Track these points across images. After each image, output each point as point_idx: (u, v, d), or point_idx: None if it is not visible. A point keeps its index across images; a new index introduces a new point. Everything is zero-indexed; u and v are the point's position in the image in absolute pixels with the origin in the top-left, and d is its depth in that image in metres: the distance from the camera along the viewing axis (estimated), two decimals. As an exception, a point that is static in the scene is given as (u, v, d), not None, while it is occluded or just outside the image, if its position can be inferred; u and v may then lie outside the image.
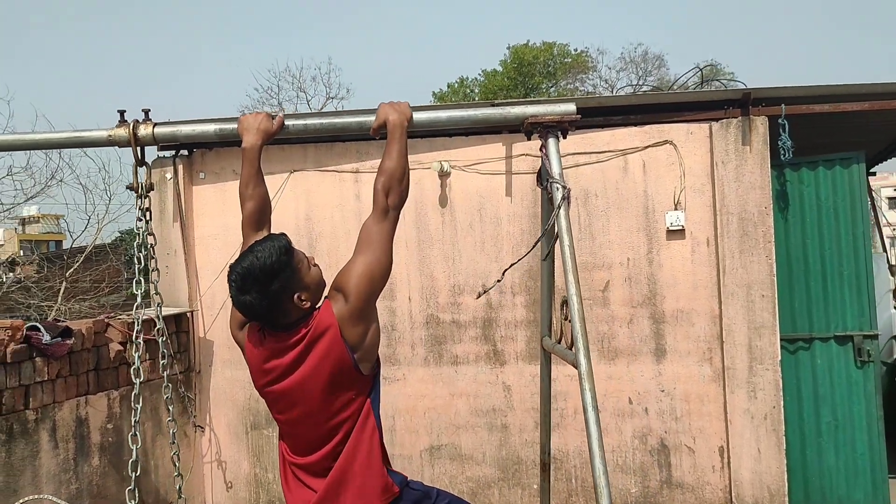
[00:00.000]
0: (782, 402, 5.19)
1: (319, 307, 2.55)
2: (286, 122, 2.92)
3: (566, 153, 5.58)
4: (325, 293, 2.60)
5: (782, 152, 5.21)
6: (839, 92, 5.20)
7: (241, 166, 2.80)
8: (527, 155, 5.71)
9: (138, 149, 2.90)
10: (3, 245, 33.82)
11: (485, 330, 5.78)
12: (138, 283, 2.87)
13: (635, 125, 5.54)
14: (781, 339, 5.27)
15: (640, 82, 27.12)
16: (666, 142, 5.46)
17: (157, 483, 5.75)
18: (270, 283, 2.44)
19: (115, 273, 12.12)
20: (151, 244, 2.97)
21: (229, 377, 6.22)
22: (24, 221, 38.78)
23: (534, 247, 3.14)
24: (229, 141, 6.11)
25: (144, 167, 2.95)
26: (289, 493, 2.66)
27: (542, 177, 2.99)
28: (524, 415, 5.68)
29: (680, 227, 5.41)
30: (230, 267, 2.54)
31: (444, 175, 5.83)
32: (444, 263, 5.87)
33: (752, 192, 5.25)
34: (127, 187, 2.92)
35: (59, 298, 10.91)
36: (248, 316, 2.54)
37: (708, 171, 5.39)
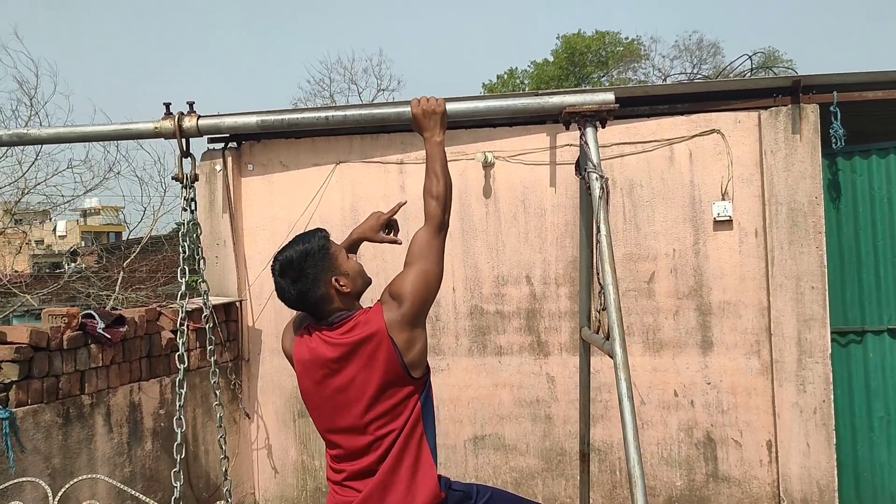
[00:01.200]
0: (832, 396, 5.08)
1: (370, 308, 2.60)
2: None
3: (611, 143, 5.56)
4: (380, 297, 2.63)
5: (834, 141, 5.09)
6: (893, 78, 5.05)
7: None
8: (571, 145, 5.68)
9: (183, 140, 2.98)
10: (65, 236, 34.92)
11: (528, 321, 5.78)
12: (183, 272, 2.95)
13: (681, 114, 5.47)
14: (832, 332, 5.16)
15: (695, 70, 26.62)
16: (713, 131, 5.38)
17: (208, 468, 5.90)
18: (307, 266, 2.53)
19: (170, 263, 12.43)
20: (198, 234, 3.05)
21: (277, 366, 6.34)
22: (85, 213, 39.96)
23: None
24: (274, 133, 6.28)
25: (190, 158, 3.03)
26: (333, 496, 2.66)
27: (581, 166, 2.98)
28: (568, 406, 5.67)
29: (727, 218, 5.33)
30: (273, 257, 2.62)
31: (487, 166, 5.84)
32: (487, 254, 5.88)
33: (802, 182, 5.14)
34: (173, 178, 3.00)
35: (118, 288, 11.24)
36: (288, 303, 2.61)
37: (756, 160, 5.29)
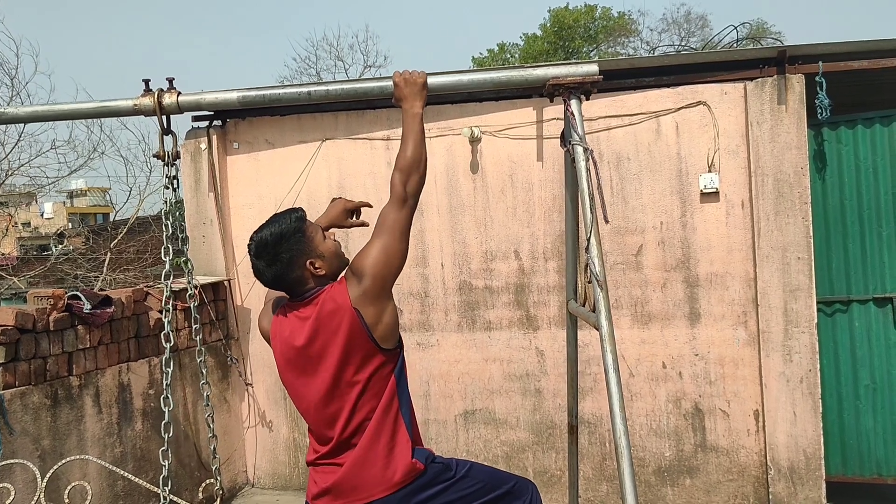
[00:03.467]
0: (819, 366, 5.12)
1: (335, 283, 2.61)
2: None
3: (597, 116, 5.54)
4: (343, 272, 2.66)
5: (819, 111, 5.08)
6: (879, 48, 5.03)
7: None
8: (558, 119, 5.65)
9: (164, 118, 2.95)
10: (52, 218, 34.69)
11: (517, 295, 5.79)
12: (167, 251, 2.93)
13: (668, 86, 5.45)
14: (818, 302, 5.18)
15: (683, 43, 26.54)
16: (699, 103, 5.37)
17: (199, 447, 5.91)
18: (282, 250, 2.54)
19: (157, 243, 12.38)
20: (181, 212, 3.02)
21: (266, 344, 6.31)
22: (71, 195, 39.68)
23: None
24: (260, 110, 6.23)
25: (171, 135, 3.00)
26: (312, 475, 2.68)
27: (566, 138, 2.97)
28: (557, 379, 5.69)
29: (714, 190, 5.33)
30: (250, 237, 2.62)
31: (474, 141, 5.81)
32: (476, 229, 5.87)
33: (788, 153, 5.14)
34: (154, 155, 2.97)
35: (105, 269, 11.20)
36: (264, 283, 2.62)
37: (742, 131, 5.29)
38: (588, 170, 2.82)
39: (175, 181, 2.97)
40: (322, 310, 2.55)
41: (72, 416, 4.82)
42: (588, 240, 2.70)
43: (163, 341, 2.79)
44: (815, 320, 5.11)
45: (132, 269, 11.66)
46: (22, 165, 11.11)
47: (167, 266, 2.92)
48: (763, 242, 5.19)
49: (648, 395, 5.53)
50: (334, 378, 2.55)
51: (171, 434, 2.76)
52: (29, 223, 32.89)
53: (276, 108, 6.27)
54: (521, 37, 29.56)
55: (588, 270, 2.88)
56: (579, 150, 2.82)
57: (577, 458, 3.72)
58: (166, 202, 2.95)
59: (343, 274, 2.64)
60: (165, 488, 2.73)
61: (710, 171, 5.34)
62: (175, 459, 5.65)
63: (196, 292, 3.08)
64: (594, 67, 2.87)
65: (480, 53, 29.83)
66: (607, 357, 2.55)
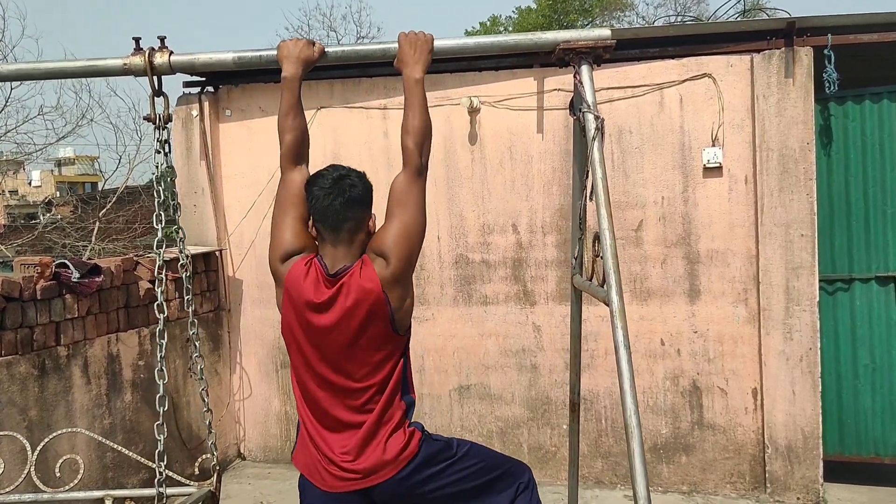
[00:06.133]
0: (819, 344, 5.06)
1: (364, 262, 2.53)
2: (327, 50, 2.79)
3: (600, 88, 5.38)
4: (365, 251, 2.58)
5: (827, 85, 4.97)
6: (890, 20, 4.92)
7: (281, 97, 2.70)
8: (559, 90, 5.53)
9: (155, 78, 2.81)
10: (39, 186, 34.32)
11: (514, 270, 5.70)
12: (159, 217, 2.81)
13: (672, 58, 5.32)
14: (820, 280, 5.11)
15: (679, 19, 26.29)
16: (704, 75, 5.24)
17: (190, 419, 5.83)
18: (370, 195, 2.60)
19: (147, 213, 12.18)
20: (172, 178, 2.91)
21: (259, 316, 6.23)
22: (59, 163, 39.25)
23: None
24: (253, 76, 6.07)
25: (162, 97, 2.87)
26: (319, 439, 2.60)
27: (575, 106, 2.86)
28: (554, 355, 5.62)
29: (717, 165, 5.23)
30: (334, 167, 2.60)
31: (473, 111, 5.68)
32: (473, 202, 5.76)
33: (794, 128, 5.04)
34: (145, 118, 2.84)
35: (94, 238, 11.01)
36: (344, 195, 2.51)
37: (748, 105, 5.17)
38: (596, 139, 2.71)
39: (167, 145, 2.85)
40: (350, 289, 2.48)
41: (60, 387, 4.71)
42: (598, 212, 2.60)
43: (156, 312, 2.69)
44: (817, 298, 5.04)
45: (122, 239, 11.48)
46: (9, 131, 10.88)
47: (159, 234, 2.81)
48: (766, 219, 5.10)
49: (646, 372, 5.46)
50: (347, 354, 2.51)
51: (166, 407, 2.66)
52: (16, 191, 32.54)
53: (270, 76, 6.10)
54: (514, 10, 29.25)
55: (596, 245, 2.79)
56: (590, 118, 2.71)
57: (579, 435, 3.65)
58: (157, 167, 2.83)
59: (365, 252, 2.56)
60: (161, 463, 2.63)
61: (713, 146, 5.24)
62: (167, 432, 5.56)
63: (188, 262, 2.97)
64: (606, 32, 2.75)
65: (473, 27, 29.48)
66: (618, 333, 2.47)
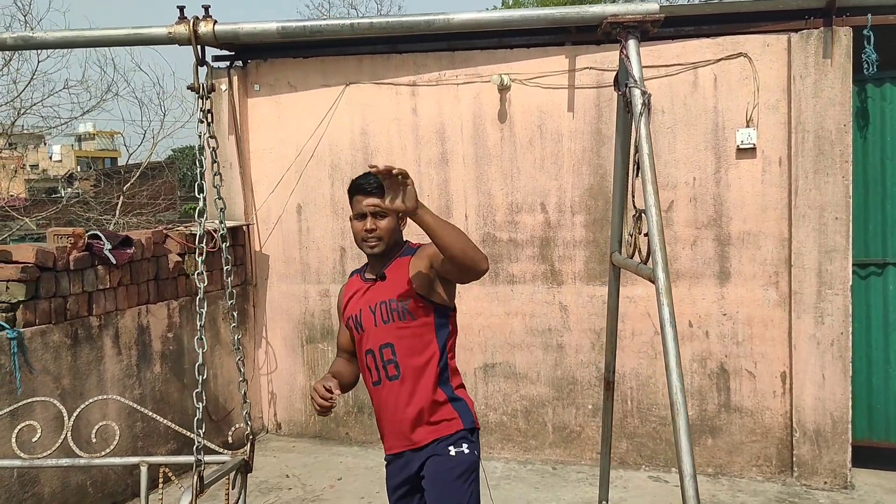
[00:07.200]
0: (851, 329, 5.01)
1: (408, 250, 2.79)
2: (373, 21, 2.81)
3: (633, 66, 5.35)
4: (418, 250, 2.77)
5: (866, 66, 4.89)
6: (933, 1, 4.83)
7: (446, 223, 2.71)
8: (591, 69, 5.48)
9: (199, 48, 2.80)
10: (60, 161, 34.51)
11: (542, 249, 5.67)
12: (200, 187, 2.81)
13: (708, 37, 5.25)
14: (853, 264, 5.05)
15: (702, -1, 25.91)
16: (740, 54, 5.17)
17: (216, 391, 5.87)
18: None
19: (170, 189, 12.27)
20: (213, 147, 2.90)
21: (285, 291, 6.25)
22: (80, 138, 39.44)
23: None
24: (283, 50, 6.06)
25: (206, 67, 2.86)
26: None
27: (620, 81, 2.82)
28: (580, 335, 5.61)
29: (751, 146, 5.17)
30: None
31: (503, 89, 5.64)
32: (501, 181, 5.73)
33: (830, 109, 4.96)
34: (188, 87, 2.83)
35: (117, 212, 11.09)
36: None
37: (784, 86, 5.10)
38: (643, 114, 2.68)
39: (210, 115, 2.84)
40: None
41: (92, 357, 4.76)
42: (644, 189, 2.57)
43: (196, 281, 2.70)
44: (850, 282, 4.99)
45: (144, 214, 11.56)
46: (34, 104, 10.92)
47: (201, 203, 2.80)
48: (800, 201, 5.04)
49: (673, 354, 5.43)
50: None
51: (205, 376, 2.68)
52: (37, 165, 32.75)
53: (300, 51, 6.09)
54: (536, -13, 28.88)
55: (639, 222, 2.77)
56: (636, 93, 2.67)
57: (612, 414, 3.64)
58: (200, 137, 2.82)
59: (418, 251, 2.75)
60: (200, 431, 2.65)
61: (747, 127, 5.17)
62: (192, 403, 5.60)
63: (225, 233, 2.97)
64: (655, 6, 2.71)
65: (494, 6, 29.17)
66: (664, 311, 2.45)
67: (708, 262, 5.35)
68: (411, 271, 2.68)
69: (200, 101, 2.82)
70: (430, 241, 2.47)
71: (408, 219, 2.58)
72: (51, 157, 34.60)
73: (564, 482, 5.30)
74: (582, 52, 5.48)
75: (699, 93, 5.29)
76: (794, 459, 5.17)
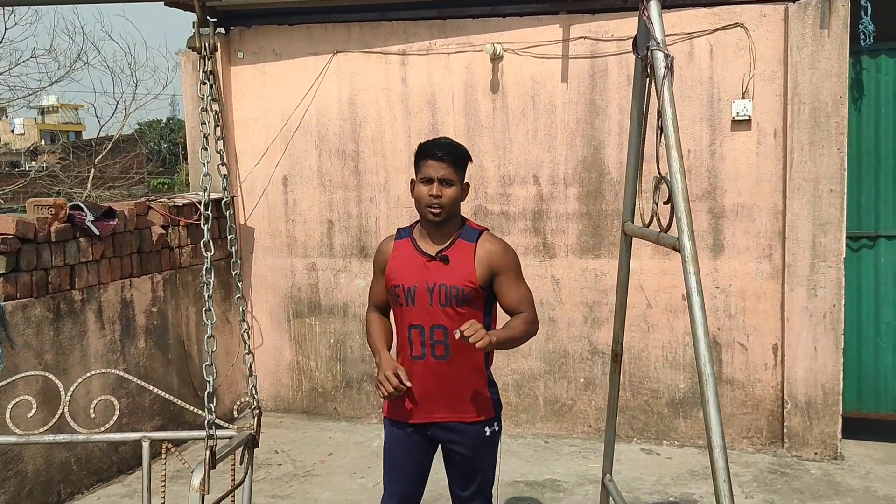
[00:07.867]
0: (843, 301, 5.03)
1: (463, 225, 2.92)
2: None
3: (627, 37, 5.25)
4: (493, 244, 2.95)
5: (863, 37, 4.87)
6: (931, -28, 4.81)
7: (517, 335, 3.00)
8: (585, 38, 5.39)
9: (201, 6, 2.67)
10: (22, 134, 33.67)
11: (534, 222, 5.60)
12: (204, 149, 2.70)
13: (704, 6, 5.18)
14: (845, 237, 5.06)
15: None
16: (736, 24, 5.11)
17: (202, 367, 5.73)
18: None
19: (143, 162, 11.97)
20: (216, 111, 2.77)
21: (271, 265, 6.12)
22: (43, 111, 38.49)
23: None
24: (267, 17, 5.87)
25: (209, 26, 2.72)
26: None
27: (640, 45, 2.75)
28: (573, 309, 5.56)
29: (746, 118, 5.13)
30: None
31: (496, 58, 5.53)
32: (494, 152, 5.64)
33: (827, 80, 4.93)
34: (189, 48, 2.71)
35: (88, 186, 10.81)
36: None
37: (780, 57, 5.06)
38: (665, 78, 2.61)
39: (212, 76, 2.71)
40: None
41: (74, 331, 4.61)
42: (668, 155, 2.50)
43: (202, 250, 2.60)
44: (843, 255, 4.99)
45: (117, 187, 11.28)
46: (1, 74, 10.56)
47: (205, 169, 2.69)
48: (795, 173, 5.02)
49: (665, 327, 5.42)
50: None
51: (215, 348, 2.60)
52: (-1, 138, 31.90)
53: (285, 17, 5.92)
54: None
55: (660, 189, 2.70)
56: (659, 56, 2.60)
57: (619, 387, 3.61)
58: (203, 99, 2.69)
59: (488, 254, 2.87)
60: (210, 405, 2.57)
61: (743, 98, 5.13)
62: (177, 379, 5.49)
63: (229, 200, 2.86)
64: (677, -34, 2.63)
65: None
66: (691, 279, 2.40)
67: (702, 235, 5.31)
68: (477, 265, 2.79)
69: (202, 61, 2.68)
70: (495, 246, 2.91)
71: (468, 190, 2.92)
72: (13, 131, 33.75)
73: (557, 455, 5.28)
74: (576, 22, 5.39)
75: (695, 64, 5.23)
76: (785, 431, 5.19)
